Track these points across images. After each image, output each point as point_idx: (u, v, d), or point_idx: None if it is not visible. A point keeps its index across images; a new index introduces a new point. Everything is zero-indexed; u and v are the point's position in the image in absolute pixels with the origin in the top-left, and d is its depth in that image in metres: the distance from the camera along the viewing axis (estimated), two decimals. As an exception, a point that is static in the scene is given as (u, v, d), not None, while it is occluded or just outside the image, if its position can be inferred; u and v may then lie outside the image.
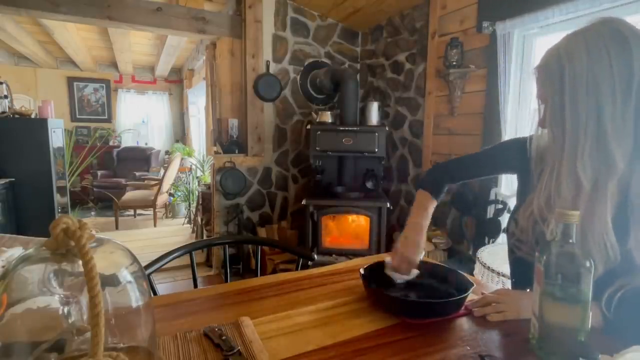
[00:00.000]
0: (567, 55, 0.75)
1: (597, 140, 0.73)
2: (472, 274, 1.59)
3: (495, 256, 1.76)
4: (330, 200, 2.74)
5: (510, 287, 1.08)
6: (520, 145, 0.97)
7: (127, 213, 5.51)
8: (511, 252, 0.97)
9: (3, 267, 0.98)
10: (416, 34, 2.90)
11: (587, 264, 0.62)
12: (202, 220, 3.90)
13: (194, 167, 5.30)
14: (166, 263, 1.14)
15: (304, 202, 2.74)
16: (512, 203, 2.24)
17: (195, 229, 4.35)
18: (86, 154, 4.83)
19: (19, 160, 3.04)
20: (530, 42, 2.11)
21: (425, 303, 0.86)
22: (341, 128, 2.77)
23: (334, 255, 2.72)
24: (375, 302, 0.86)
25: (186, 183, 5.23)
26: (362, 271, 0.93)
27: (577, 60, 0.73)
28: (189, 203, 5.00)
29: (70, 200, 3.87)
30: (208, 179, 4.42)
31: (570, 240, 0.64)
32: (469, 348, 0.69)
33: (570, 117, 0.75)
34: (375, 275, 0.96)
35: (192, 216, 4.68)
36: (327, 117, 2.90)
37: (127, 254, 0.53)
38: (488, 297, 0.85)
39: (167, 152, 6.76)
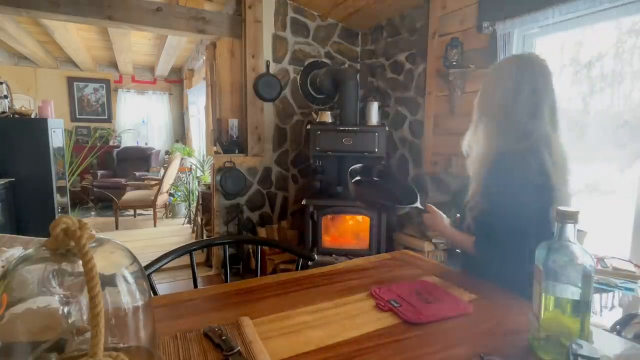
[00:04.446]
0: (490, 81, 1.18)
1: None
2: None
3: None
4: (330, 200, 2.74)
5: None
6: None
7: (127, 213, 5.50)
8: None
9: (3, 267, 0.98)
10: (416, 34, 2.90)
11: (588, 264, 0.62)
12: (202, 220, 3.90)
13: (194, 167, 5.30)
14: (166, 263, 1.14)
15: (304, 202, 2.74)
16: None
17: (195, 229, 4.35)
18: (86, 154, 4.83)
19: (19, 160, 3.03)
20: (530, 42, 2.11)
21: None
22: (341, 128, 2.77)
23: (334, 255, 2.72)
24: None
25: (186, 183, 5.22)
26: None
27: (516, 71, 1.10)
28: (189, 203, 5.00)
29: (70, 200, 3.87)
30: (208, 179, 4.42)
31: (570, 240, 0.64)
32: (469, 348, 0.69)
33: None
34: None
35: (192, 216, 4.68)
36: (327, 117, 2.90)
37: (127, 254, 0.53)
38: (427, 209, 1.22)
39: (167, 152, 6.76)
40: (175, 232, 4.71)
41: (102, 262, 0.46)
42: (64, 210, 3.63)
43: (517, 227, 0.98)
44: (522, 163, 1.02)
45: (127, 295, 0.51)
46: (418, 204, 1.22)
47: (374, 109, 2.85)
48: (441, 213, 1.21)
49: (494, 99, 1.14)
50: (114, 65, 6.40)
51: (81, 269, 0.43)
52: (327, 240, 2.81)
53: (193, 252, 1.23)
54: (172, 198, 5.48)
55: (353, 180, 1.44)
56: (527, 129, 1.05)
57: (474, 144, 1.17)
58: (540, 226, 0.99)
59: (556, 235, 0.65)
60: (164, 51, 5.13)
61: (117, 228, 4.77)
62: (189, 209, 4.98)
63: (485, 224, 1.06)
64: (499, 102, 1.11)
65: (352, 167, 1.56)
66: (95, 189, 5.75)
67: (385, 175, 1.49)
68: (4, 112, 3.07)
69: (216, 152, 3.28)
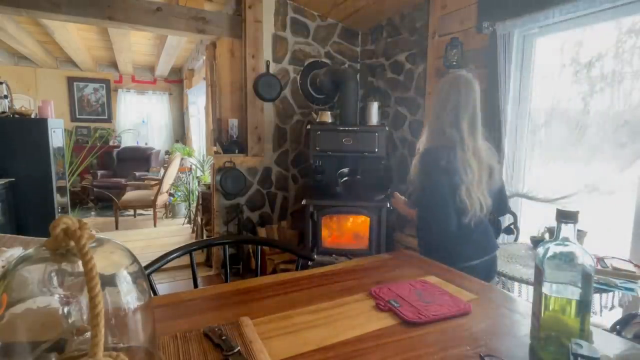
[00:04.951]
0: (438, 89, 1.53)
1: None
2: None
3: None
4: (330, 200, 2.74)
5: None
6: None
7: (127, 213, 5.51)
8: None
9: (3, 267, 0.98)
10: (416, 34, 2.90)
11: (588, 264, 0.62)
12: (202, 220, 3.90)
13: (194, 167, 5.30)
14: (166, 263, 1.14)
15: (304, 202, 2.74)
16: (512, 203, 2.24)
17: (195, 229, 4.35)
18: (86, 154, 4.83)
19: (19, 160, 3.03)
20: (530, 42, 2.11)
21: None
22: (341, 128, 2.77)
23: (334, 255, 2.72)
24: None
25: (186, 183, 5.22)
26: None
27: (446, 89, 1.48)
28: (189, 203, 5.00)
29: (70, 200, 3.87)
30: (208, 179, 4.42)
31: (570, 240, 0.64)
32: (468, 348, 0.69)
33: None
34: None
35: (192, 216, 4.68)
36: (327, 117, 2.90)
37: (127, 254, 0.53)
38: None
39: (167, 152, 6.76)
40: (175, 232, 4.71)
41: (102, 262, 0.46)
42: (64, 210, 3.63)
43: (435, 203, 1.40)
44: (436, 156, 1.42)
45: (127, 295, 0.51)
46: (388, 192, 1.77)
47: (374, 109, 2.85)
48: (401, 196, 1.71)
49: (432, 108, 1.53)
50: (114, 65, 6.40)
51: (81, 269, 0.43)
52: (327, 240, 2.81)
53: (193, 252, 1.23)
54: (172, 198, 5.47)
55: (342, 181, 1.91)
56: (448, 133, 1.42)
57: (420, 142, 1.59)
58: (453, 203, 1.38)
59: (556, 235, 0.65)
60: (164, 51, 5.13)
61: (117, 228, 4.77)
62: (189, 209, 4.98)
63: (418, 200, 1.51)
64: (434, 111, 1.51)
65: (340, 171, 2.20)
66: (95, 189, 5.75)
67: (367, 174, 2.07)
68: (4, 112, 3.07)
69: (216, 152, 3.28)
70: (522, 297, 1.54)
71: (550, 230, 1.75)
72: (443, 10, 2.61)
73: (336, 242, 2.86)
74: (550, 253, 0.65)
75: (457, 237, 1.41)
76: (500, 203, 1.58)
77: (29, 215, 3.08)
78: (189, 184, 5.14)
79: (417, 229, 1.55)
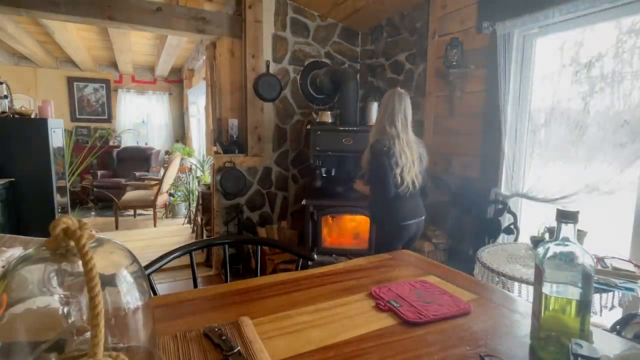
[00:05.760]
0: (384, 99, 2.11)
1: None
2: (472, 274, 1.59)
3: (495, 256, 1.76)
4: (330, 200, 2.74)
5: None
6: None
7: (127, 213, 5.50)
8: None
9: (3, 267, 0.98)
10: (416, 34, 2.90)
11: (588, 264, 0.62)
12: (202, 220, 3.90)
13: (194, 167, 5.30)
14: (166, 263, 1.14)
15: (304, 202, 2.74)
16: (512, 203, 2.24)
17: (195, 229, 4.35)
18: (86, 154, 4.83)
19: (19, 160, 3.03)
20: (530, 42, 2.11)
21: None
22: (341, 128, 2.77)
23: (334, 255, 2.72)
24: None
25: (186, 183, 5.22)
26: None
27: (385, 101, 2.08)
28: (189, 203, 5.00)
29: (70, 200, 3.86)
30: (208, 179, 4.42)
31: (570, 240, 0.64)
32: (469, 348, 0.69)
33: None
34: None
35: (192, 216, 4.68)
36: (327, 117, 2.91)
37: (127, 254, 0.53)
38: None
39: (167, 152, 6.76)
40: (175, 232, 4.71)
41: (102, 262, 0.46)
42: (64, 210, 3.63)
43: (379, 177, 1.98)
44: (377, 146, 1.97)
45: (127, 295, 0.51)
46: (354, 181, 2.30)
47: (374, 109, 2.85)
48: (360, 180, 2.21)
49: (377, 114, 2.15)
50: (114, 65, 6.40)
51: (81, 269, 0.43)
52: (327, 240, 2.81)
53: (193, 252, 1.23)
54: (172, 198, 5.47)
55: (322, 176, 2.38)
56: (386, 130, 2.00)
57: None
58: (393, 178, 1.94)
59: (556, 235, 0.65)
60: (164, 51, 5.13)
61: (117, 228, 4.77)
62: (189, 209, 4.98)
63: (369, 177, 2.07)
64: (378, 115, 2.12)
65: (317, 171, 2.71)
66: (95, 189, 5.75)
67: (340, 170, 2.64)
68: (4, 112, 3.07)
69: (216, 152, 3.28)
70: (522, 297, 1.54)
71: (550, 230, 1.75)
72: (443, 10, 2.61)
73: (336, 242, 2.87)
74: (550, 253, 0.65)
75: (395, 203, 2.00)
76: (424, 178, 2.14)
77: (29, 215, 3.07)
78: (189, 184, 5.14)
79: (369, 200, 2.13)
